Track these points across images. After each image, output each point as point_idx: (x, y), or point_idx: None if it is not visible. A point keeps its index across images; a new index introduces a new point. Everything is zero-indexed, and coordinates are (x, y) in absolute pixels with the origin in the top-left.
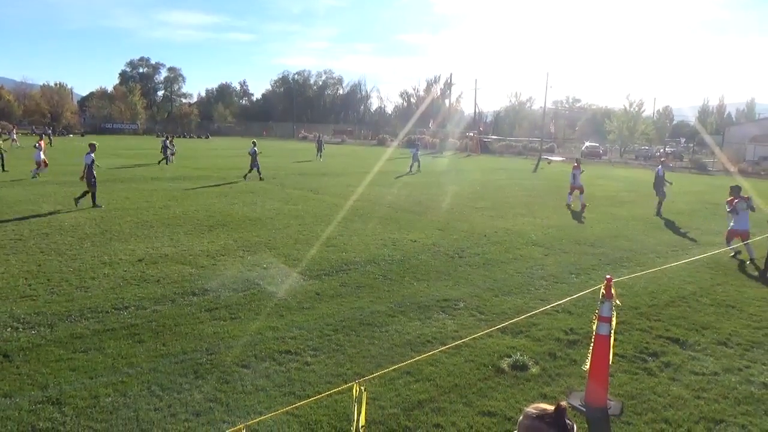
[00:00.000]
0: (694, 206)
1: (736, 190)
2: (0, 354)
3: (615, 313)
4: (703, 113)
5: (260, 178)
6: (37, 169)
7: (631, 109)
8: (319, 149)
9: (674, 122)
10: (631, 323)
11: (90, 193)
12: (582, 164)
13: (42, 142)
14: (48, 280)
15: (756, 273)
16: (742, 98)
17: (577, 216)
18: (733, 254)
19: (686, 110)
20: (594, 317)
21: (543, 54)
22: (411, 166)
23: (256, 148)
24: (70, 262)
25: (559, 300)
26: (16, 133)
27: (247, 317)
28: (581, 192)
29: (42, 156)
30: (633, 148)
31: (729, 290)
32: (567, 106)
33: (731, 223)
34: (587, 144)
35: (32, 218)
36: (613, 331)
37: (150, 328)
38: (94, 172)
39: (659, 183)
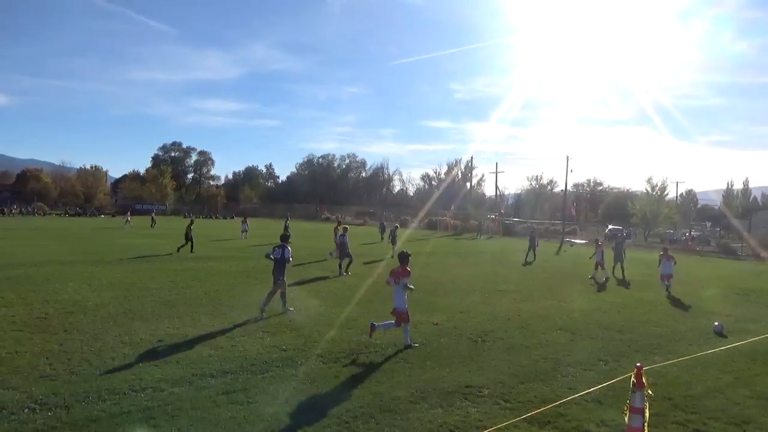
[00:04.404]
0: (725, 291)
1: (665, 251)
2: None
3: (648, 404)
4: (728, 196)
5: (391, 257)
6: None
7: (654, 193)
8: (383, 231)
9: (699, 206)
10: (665, 415)
11: (349, 263)
12: (601, 243)
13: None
14: (68, 359)
15: None
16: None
17: (603, 299)
18: (666, 292)
19: (711, 194)
20: (626, 408)
21: (564, 137)
22: (527, 254)
23: (396, 233)
24: (91, 342)
25: (588, 388)
26: (131, 216)
27: (264, 401)
28: (602, 267)
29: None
30: (657, 231)
31: None
32: (588, 189)
33: (660, 269)
34: (610, 227)
35: (58, 297)
36: (647, 424)
37: (166, 412)
38: (348, 249)
39: (619, 251)
